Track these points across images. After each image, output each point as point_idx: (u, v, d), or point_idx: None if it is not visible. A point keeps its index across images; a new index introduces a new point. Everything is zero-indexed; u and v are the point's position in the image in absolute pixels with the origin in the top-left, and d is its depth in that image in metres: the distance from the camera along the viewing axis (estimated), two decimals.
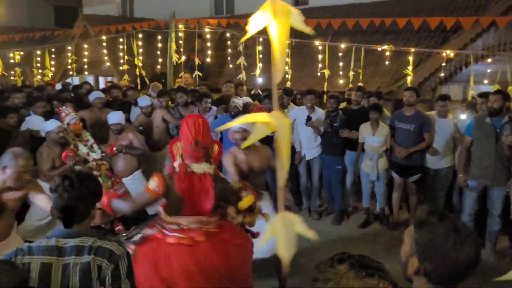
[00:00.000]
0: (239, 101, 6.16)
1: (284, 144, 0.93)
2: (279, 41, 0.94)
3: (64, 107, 5.60)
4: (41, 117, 5.63)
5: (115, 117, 5.82)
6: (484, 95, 5.64)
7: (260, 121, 0.94)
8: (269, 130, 0.94)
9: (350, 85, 7.80)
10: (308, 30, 0.99)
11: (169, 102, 6.99)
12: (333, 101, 6.22)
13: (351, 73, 7.88)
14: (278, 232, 0.94)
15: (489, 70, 7.62)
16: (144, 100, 6.56)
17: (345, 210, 6.60)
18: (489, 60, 7.81)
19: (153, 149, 6.37)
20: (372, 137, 5.91)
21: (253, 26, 0.94)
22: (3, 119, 5.46)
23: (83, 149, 5.49)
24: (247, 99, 6.64)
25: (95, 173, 5.32)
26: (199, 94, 6.82)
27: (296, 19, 0.97)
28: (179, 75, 8.80)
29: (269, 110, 5.13)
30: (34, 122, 5.44)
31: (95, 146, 5.63)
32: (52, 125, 5.14)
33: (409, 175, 5.94)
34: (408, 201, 6.20)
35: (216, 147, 3.34)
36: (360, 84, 7.42)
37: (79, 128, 5.50)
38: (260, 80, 8.56)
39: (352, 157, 6.34)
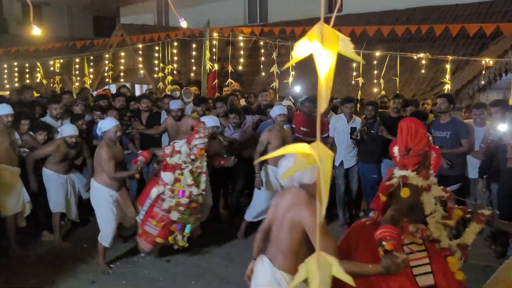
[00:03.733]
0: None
1: (325, 177, 0.88)
2: (326, 69, 0.90)
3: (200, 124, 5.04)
4: (72, 125, 5.62)
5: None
6: (498, 104, 5.46)
7: (300, 152, 0.89)
8: (310, 162, 0.89)
9: (382, 92, 7.69)
10: (359, 58, 0.96)
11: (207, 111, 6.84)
12: (371, 108, 6.07)
13: (382, 81, 7.76)
14: (313, 274, 0.89)
15: None
16: (175, 104, 6.32)
17: None
18: None
19: None
20: None
21: (298, 52, 0.91)
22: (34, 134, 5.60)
23: (187, 179, 4.76)
24: (288, 102, 6.59)
25: (181, 208, 4.71)
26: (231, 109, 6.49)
27: (346, 46, 0.94)
28: (226, 83, 8.82)
29: (309, 112, 4.91)
30: (67, 129, 5.48)
31: (203, 178, 4.91)
32: (109, 124, 4.93)
33: (448, 185, 5.77)
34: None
35: (434, 154, 3.10)
36: (397, 92, 7.29)
37: (202, 154, 4.88)
38: (294, 89, 8.53)
39: (389, 165, 6.20)
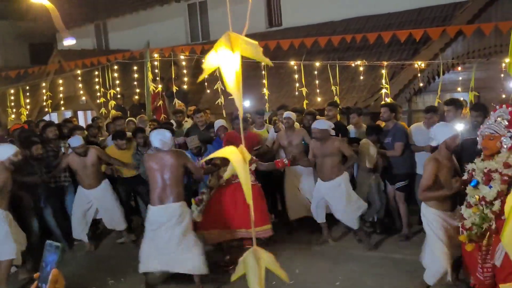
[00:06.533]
0: None
1: (245, 181, 0.93)
2: (236, 75, 0.92)
3: None
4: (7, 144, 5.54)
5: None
6: (452, 103, 5.62)
7: (232, 156, 0.95)
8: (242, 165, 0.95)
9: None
10: (267, 61, 0.97)
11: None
12: (309, 117, 6.30)
13: (333, 88, 7.92)
14: (250, 268, 0.90)
15: (460, 78, 7.77)
16: (76, 141, 6.15)
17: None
18: (459, 68, 7.97)
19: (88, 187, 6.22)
20: None
21: (208, 64, 0.93)
22: None
23: None
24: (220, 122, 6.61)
25: None
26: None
27: (255, 50, 0.96)
28: (173, 102, 8.77)
29: (238, 130, 5.09)
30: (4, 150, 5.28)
31: None
32: (7, 151, 5.16)
33: (398, 181, 5.97)
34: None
35: None
36: (336, 99, 7.48)
37: None
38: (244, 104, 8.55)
39: None
